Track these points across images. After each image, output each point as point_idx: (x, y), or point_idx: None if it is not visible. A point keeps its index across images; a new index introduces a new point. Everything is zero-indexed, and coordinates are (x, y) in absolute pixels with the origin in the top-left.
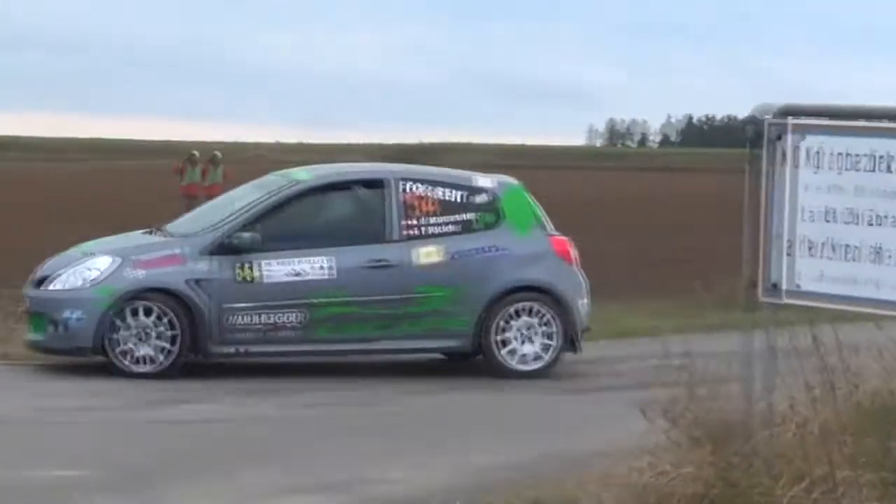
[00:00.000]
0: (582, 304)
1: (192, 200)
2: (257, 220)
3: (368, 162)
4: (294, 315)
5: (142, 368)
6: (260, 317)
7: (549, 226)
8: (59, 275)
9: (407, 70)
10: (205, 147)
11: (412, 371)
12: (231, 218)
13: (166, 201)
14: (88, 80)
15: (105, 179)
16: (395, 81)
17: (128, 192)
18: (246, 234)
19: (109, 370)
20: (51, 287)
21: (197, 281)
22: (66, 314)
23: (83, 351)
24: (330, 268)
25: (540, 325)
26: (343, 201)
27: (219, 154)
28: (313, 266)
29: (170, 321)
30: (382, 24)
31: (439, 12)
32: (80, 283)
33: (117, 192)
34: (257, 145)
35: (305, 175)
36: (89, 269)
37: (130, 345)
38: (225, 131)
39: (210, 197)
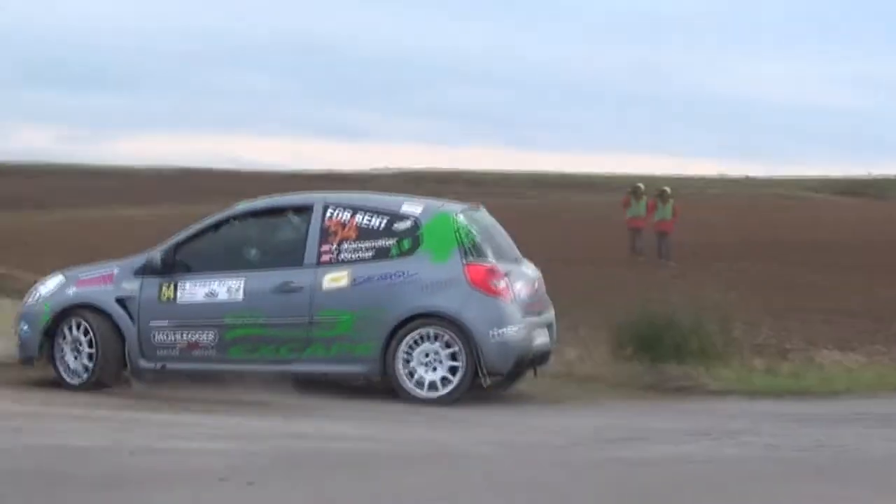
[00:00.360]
0: (496, 333)
1: (636, 233)
2: (185, 243)
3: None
4: (207, 334)
5: (74, 381)
6: (178, 335)
7: (484, 255)
8: (32, 292)
9: (855, 100)
10: (651, 181)
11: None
12: (165, 241)
13: (618, 233)
14: (521, 113)
15: (557, 213)
16: (842, 112)
17: (578, 226)
18: (156, 257)
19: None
20: (23, 302)
21: (124, 299)
22: (22, 326)
23: (31, 360)
24: (238, 290)
25: (443, 348)
26: (270, 227)
27: (668, 190)
28: (224, 288)
29: (93, 336)
30: (830, 53)
31: (888, 41)
32: (34, 299)
33: (567, 226)
34: (700, 179)
35: (244, 203)
36: (43, 286)
37: (68, 357)
38: (666, 164)
39: (660, 233)
